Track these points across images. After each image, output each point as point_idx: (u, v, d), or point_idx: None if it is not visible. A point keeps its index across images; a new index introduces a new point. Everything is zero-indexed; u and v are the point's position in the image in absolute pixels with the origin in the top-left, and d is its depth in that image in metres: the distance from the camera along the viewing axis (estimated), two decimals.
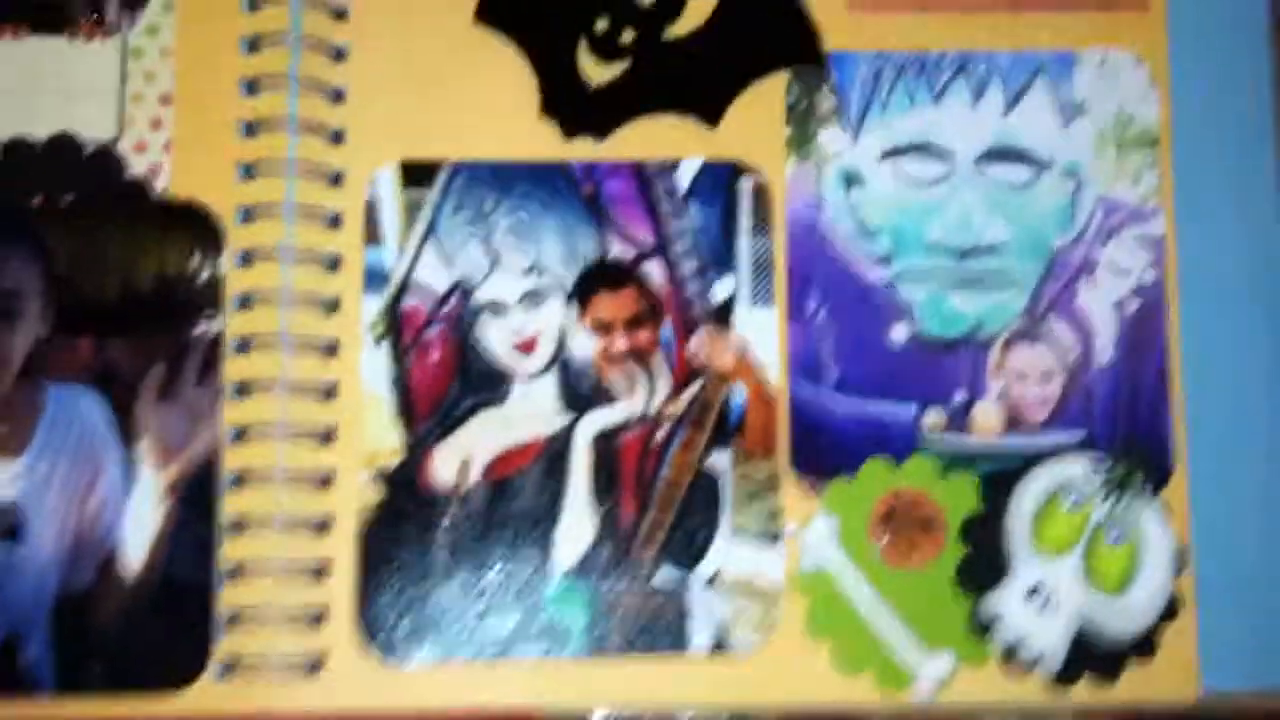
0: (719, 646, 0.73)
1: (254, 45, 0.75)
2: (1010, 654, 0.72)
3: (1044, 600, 0.72)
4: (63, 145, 0.74)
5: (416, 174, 0.75)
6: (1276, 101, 0.78)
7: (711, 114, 0.76)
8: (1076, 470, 0.73)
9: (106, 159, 0.74)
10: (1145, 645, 0.72)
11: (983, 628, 0.72)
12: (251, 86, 0.75)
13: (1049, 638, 0.71)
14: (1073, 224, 0.77)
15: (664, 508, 0.74)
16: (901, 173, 0.77)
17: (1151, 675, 0.73)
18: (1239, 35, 0.79)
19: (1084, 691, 0.72)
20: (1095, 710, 0.74)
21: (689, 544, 0.74)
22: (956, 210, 0.76)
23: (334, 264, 0.74)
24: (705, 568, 0.73)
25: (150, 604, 0.72)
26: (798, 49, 0.77)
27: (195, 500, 0.72)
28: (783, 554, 0.74)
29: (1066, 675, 0.71)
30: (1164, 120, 0.77)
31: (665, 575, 0.73)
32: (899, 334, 0.76)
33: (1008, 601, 0.72)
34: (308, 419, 0.73)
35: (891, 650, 0.72)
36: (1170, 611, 0.72)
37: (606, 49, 0.77)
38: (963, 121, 0.77)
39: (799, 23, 0.77)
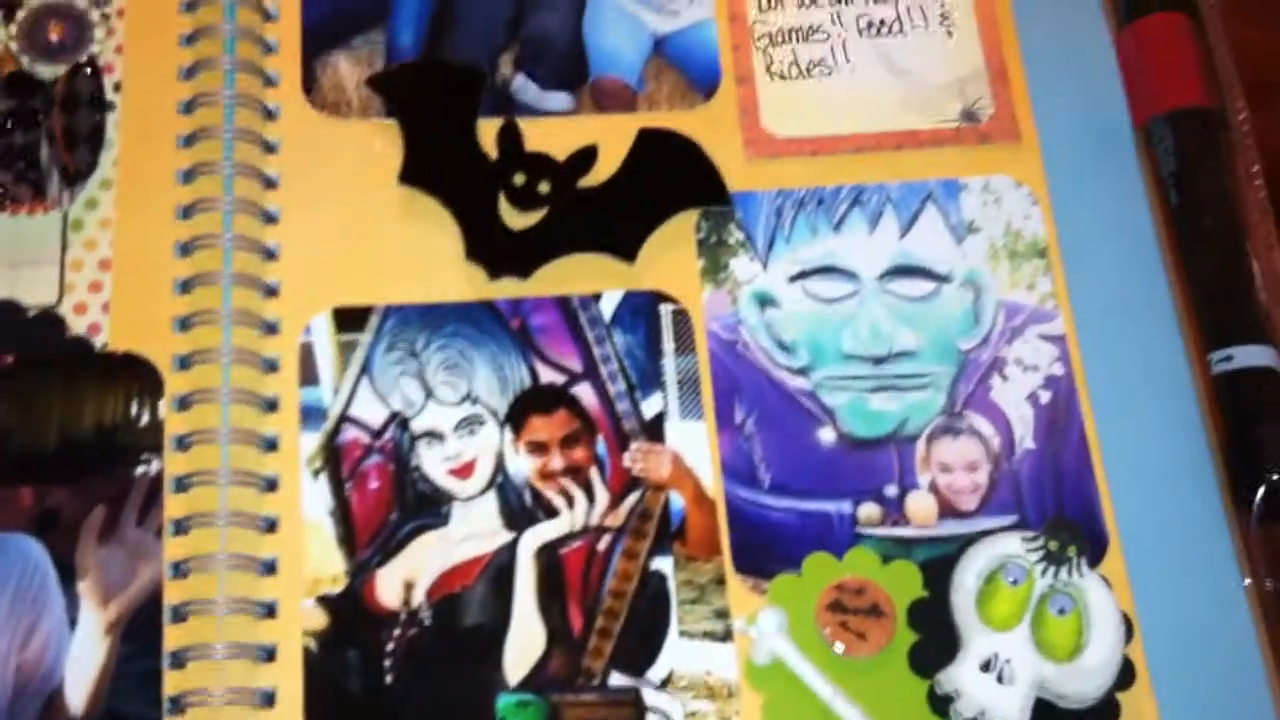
0: None
1: (188, 211, 0.78)
2: None
3: (999, 671, 0.72)
4: (5, 310, 0.76)
5: (349, 319, 0.78)
6: (1152, 201, 0.83)
7: (628, 251, 0.80)
8: (1012, 547, 0.74)
9: (48, 321, 0.76)
10: (1107, 711, 0.72)
11: (943, 703, 0.71)
12: (186, 249, 0.78)
13: (1009, 707, 0.71)
14: (977, 327, 0.80)
15: (611, 615, 0.74)
16: (811, 292, 0.80)
17: None
18: (1108, 149, 0.84)
19: None
20: None
21: (639, 649, 0.73)
22: (866, 322, 0.80)
23: (271, 405, 0.76)
24: (658, 670, 0.73)
25: None
26: (703, 191, 0.81)
27: (138, 636, 0.71)
28: (734, 651, 0.73)
29: None
30: (1050, 232, 0.82)
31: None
32: (826, 436, 0.78)
33: (964, 676, 0.72)
34: (249, 551, 0.73)
35: None
36: (1125, 678, 0.72)
37: (525, 200, 0.80)
38: (863, 246, 0.81)
39: (702, 168, 0.81)
